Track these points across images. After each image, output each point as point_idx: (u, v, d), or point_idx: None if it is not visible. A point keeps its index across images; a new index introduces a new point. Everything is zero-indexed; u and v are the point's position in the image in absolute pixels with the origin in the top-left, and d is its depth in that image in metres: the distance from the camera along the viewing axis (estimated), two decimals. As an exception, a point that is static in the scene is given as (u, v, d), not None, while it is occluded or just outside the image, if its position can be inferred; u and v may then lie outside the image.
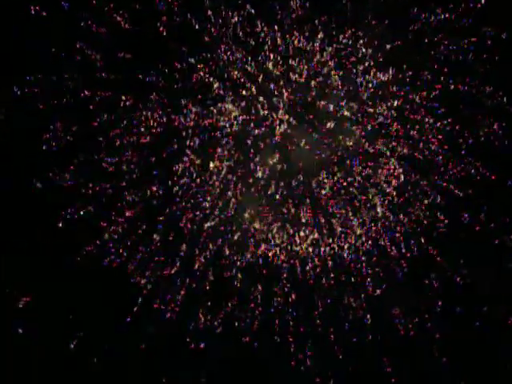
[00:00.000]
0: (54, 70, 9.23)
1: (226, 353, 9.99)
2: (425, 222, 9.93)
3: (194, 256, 10.09)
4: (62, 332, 9.76)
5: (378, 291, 10.03)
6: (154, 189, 9.79)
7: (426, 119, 9.85)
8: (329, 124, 9.89)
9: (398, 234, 9.97)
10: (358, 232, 10.02)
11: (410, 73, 9.69)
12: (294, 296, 10.16)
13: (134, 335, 9.90)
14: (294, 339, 10.02)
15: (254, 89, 9.50)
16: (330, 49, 9.58)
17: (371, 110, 9.93)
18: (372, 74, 9.66)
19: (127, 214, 9.70)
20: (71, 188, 9.52)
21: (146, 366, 10.02)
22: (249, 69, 9.26)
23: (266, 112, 9.68)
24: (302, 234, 10.03)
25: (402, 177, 9.94)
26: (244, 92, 9.37)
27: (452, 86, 9.65)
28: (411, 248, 9.98)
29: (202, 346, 10.01)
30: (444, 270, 9.89)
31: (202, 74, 9.33)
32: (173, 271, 10.03)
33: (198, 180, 9.81)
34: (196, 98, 9.31)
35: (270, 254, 10.15)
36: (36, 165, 9.47)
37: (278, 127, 9.79)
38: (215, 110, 9.49)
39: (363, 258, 10.02)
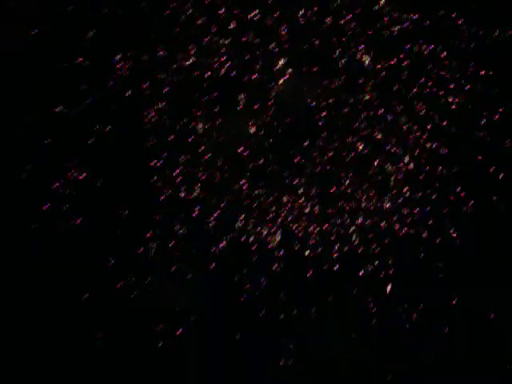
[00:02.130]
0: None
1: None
2: (450, 198, 8.21)
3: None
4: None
5: (389, 287, 8.36)
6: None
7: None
8: (339, 77, 8.25)
9: (416, 212, 8.25)
10: (367, 207, 8.32)
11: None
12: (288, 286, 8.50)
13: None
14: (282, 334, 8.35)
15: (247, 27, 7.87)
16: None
17: (389, 62, 8.27)
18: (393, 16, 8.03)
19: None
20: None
21: None
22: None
23: (262, 57, 8.05)
24: (299, 204, 8.32)
25: (422, 144, 8.25)
26: (232, 25, 7.70)
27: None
28: (432, 231, 8.27)
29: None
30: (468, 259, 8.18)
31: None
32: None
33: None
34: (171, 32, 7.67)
35: (262, 231, 8.51)
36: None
37: (276, 77, 8.14)
38: (196, 49, 7.83)
39: (372, 239, 8.31)
